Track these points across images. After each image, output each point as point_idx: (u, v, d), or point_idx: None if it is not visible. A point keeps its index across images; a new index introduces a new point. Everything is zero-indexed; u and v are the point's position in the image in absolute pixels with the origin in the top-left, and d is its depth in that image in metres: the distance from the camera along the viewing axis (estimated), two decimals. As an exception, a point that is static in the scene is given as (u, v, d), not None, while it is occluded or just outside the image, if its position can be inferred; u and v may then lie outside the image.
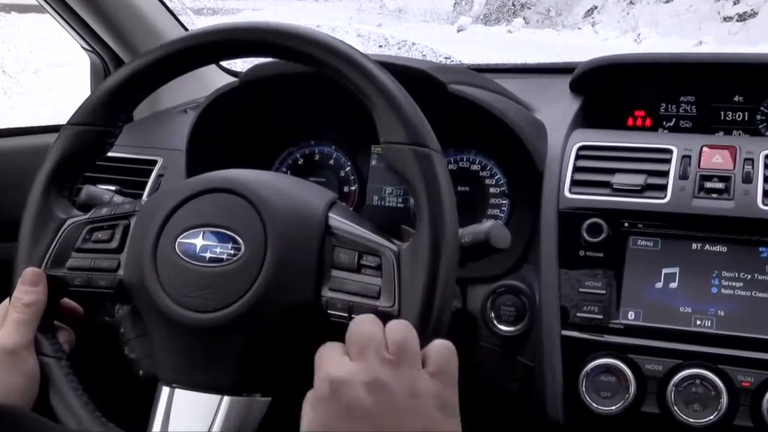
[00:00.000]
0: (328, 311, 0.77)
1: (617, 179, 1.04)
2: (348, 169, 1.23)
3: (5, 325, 0.80)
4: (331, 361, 0.66)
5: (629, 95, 1.26)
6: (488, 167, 1.16)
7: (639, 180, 1.03)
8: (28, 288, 0.82)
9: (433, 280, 0.74)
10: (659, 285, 0.99)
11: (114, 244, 0.84)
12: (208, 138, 1.19)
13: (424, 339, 0.70)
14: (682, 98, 1.24)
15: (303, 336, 0.79)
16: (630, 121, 1.26)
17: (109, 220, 0.86)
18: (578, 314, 1.00)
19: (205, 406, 0.78)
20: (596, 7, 5.00)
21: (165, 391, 0.79)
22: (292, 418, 0.81)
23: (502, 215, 1.15)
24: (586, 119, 1.19)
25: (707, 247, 0.99)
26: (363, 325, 0.68)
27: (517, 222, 1.12)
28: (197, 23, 1.65)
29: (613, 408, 0.96)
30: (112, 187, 1.17)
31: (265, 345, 0.78)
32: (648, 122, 1.25)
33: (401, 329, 0.67)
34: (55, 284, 0.83)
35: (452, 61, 1.85)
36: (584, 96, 1.23)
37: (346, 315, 0.76)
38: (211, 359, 0.78)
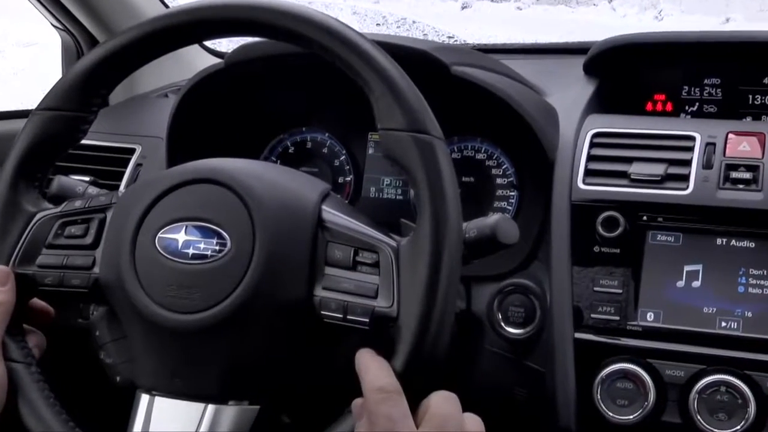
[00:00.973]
0: (322, 312, 0.77)
1: (635, 169, 1.04)
2: (343, 158, 1.24)
3: None
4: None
5: (649, 78, 1.26)
6: (495, 156, 1.17)
7: (659, 169, 1.03)
8: (-5, 288, 0.82)
9: (434, 278, 0.74)
10: (681, 284, 0.99)
11: (88, 240, 0.84)
12: (191, 124, 1.19)
13: (425, 346, 0.71)
14: (706, 81, 1.24)
15: (294, 338, 0.79)
16: (649, 106, 1.26)
17: (83, 214, 0.86)
18: (593, 315, 1.01)
19: (188, 415, 0.78)
20: (614, -18, 5.00)
21: (144, 398, 0.79)
22: (282, 427, 0.81)
23: (509, 208, 1.15)
24: (601, 104, 1.19)
25: (733, 242, 0.99)
26: (445, 404, 0.71)
27: (526, 215, 1.12)
28: (178, 0, 1.65)
29: (631, 417, 0.97)
30: (86, 178, 1.18)
31: (253, 348, 0.78)
32: (669, 107, 1.25)
33: (477, 423, 0.72)
34: (24, 283, 0.83)
35: (456, 40, 1.85)
36: (599, 78, 1.23)
37: (341, 316, 0.76)
38: (194, 364, 0.78)
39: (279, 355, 0.79)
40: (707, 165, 1.02)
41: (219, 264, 0.77)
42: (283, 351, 0.79)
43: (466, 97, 1.08)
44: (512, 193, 1.15)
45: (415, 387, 0.72)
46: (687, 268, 0.99)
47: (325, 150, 1.24)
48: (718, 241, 0.99)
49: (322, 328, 0.78)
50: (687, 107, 1.25)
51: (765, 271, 0.97)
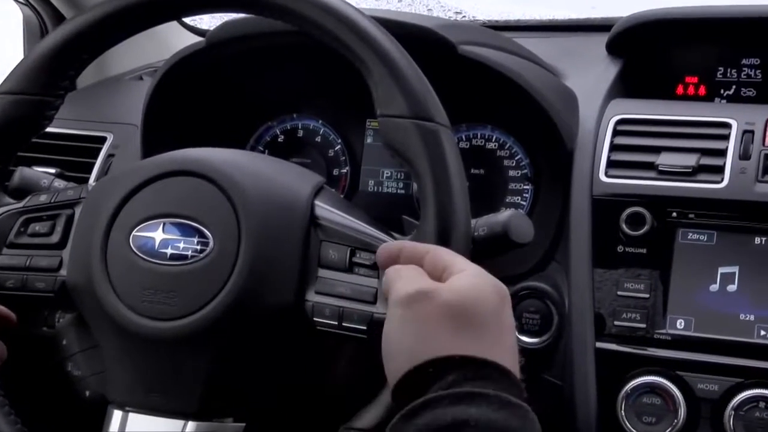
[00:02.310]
0: (315, 318, 0.77)
1: (663, 159, 1.04)
2: (338, 147, 1.24)
3: None
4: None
5: (679, 58, 1.26)
6: (507, 145, 1.17)
7: (690, 160, 1.03)
8: (-50, 291, 0.82)
9: (440, 281, 0.74)
10: (714, 287, 0.99)
11: (55, 239, 0.85)
12: (169, 110, 1.19)
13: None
14: (744, 61, 1.24)
15: (284, 348, 0.80)
16: (680, 89, 1.26)
17: (48, 210, 0.86)
18: (616, 323, 1.01)
19: (166, 434, 0.78)
20: (641, -50, 4.99)
21: (117, 415, 0.80)
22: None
23: (523, 203, 1.15)
24: (626, 87, 1.20)
25: (773, 241, 0.99)
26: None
27: (542, 211, 1.12)
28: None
29: (659, 436, 0.97)
30: (52, 170, 1.18)
31: (238, 360, 0.78)
32: (702, 90, 1.25)
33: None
34: (-17, 287, 0.84)
35: (464, 17, 1.85)
36: (624, 59, 1.23)
37: (336, 323, 0.77)
38: (173, 377, 0.78)
39: (267, 366, 0.80)
40: (744, 155, 1.03)
41: (200, 265, 0.78)
42: (271, 362, 0.80)
43: (476, 79, 1.08)
44: (526, 187, 1.15)
45: None
46: (721, 270, 0.99)
47: (318, 139, 1.25)
48: (757, 240, 0.99)
49: (315, 337, 0.78)
50: (722, 91, 1.25)
51: (809, 274, 0.97)
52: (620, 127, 1.09)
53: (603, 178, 1.05)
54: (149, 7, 0.85)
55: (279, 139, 1.26)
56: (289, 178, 0.84)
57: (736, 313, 0.98)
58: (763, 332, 0.97)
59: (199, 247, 0.78)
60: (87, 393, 0.86)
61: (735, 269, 0.99)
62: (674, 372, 0.98)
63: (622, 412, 0.98)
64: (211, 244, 0.78)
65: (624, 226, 1.02)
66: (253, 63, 1.20)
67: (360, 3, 0.93)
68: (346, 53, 0.80)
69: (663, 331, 1.00)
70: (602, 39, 1.25)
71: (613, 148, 1.07)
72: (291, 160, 1.21)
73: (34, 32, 1.51)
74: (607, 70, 1.21)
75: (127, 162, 1.22)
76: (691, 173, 1.02)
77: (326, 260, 0.79)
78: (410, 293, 0.66)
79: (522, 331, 1.06)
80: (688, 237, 1.01)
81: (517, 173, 1.16)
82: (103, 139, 1.27)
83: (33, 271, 0.84)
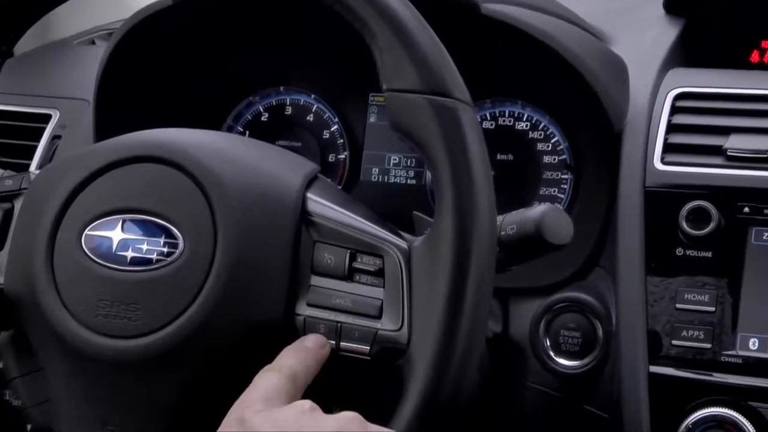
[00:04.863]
0: (307, 336, 0.79)
1: (733, 143, 1.04)
2: (335, 128, 1.24)
3: None
4: None
5: (754, 18, 1.26)
6: (541, 126, 1.17)
7: (766, 143, 1.03)
8: None
9: (458, 291, 0.75)
10: (795, 299, 1.00)
11: (-12, 239, 0.86)
12: (128, 82, 1.19)
13: (444, 385, 0.72)
14: (834, 22, 1.25)
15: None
16: (754, 56, 1.26)
17: (-20, 204, 0.87)
18: (674, 342, 1.01)
19: (125, 476, 0.79)
20: None
21: (66, 453, 0.81)
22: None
23: (561, 196, 1.16)
24: (687, 54, 1.20)
25: None
26: None
27: (583, 206, 1.12)
28: None
29: (726, 480, 0.98)
30: (-15, 156, 1.19)
31: (212, 386, 0.79)
32: (781, 58, 1.26)
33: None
34: None
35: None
36: (686, 19, 1.23)
37: (333, 342, 0.77)
38: (134, 406, 0.79)
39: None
40: (834, 138, 1.03)
41: (168, 272, 0.78)
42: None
43: (503, 45, 1.09)
44: (565, 176, 1.16)
45: None
46: (805, 278, 1.00)
47: (310, 117, 1.25)
48: None
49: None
50: (806, 59, 1.26)
51: None
52: (680, 103, 1.09)
53: (658, 165, 1.05)
54: None
55: (262, 118, 1.27)
56: (275, 165, 0.84)
57: (822, 332, 0.99)
58: None
59: (165, 250, 0.79)
60: (29, 427, 0.86)
61: (822, 277, 1.00)
62: (745, 402, 0.98)
63: (682, 451, 0.99)
64: (181, 245, 0.79)
65: (684, 225, 1.02)
66: (231, 24, 1.20)
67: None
68: (345, 13, 0.80)
69: (732, 352, 1.00)
70: (658, -5, 1.26)
71: (671, 128, 1.07)
72: (277, 143, 1.22)
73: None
74: (665, 33, 1.21)
75: (76, 145, 1.22)
76: (767, 160, 1.03)
77: (321, 266, 0.79)
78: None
79: (559, 353, 1.06)
80: (763, 238, 1.01)
81: (554, 159, 1.17)
82: (46, 117, 1.28)
83: None
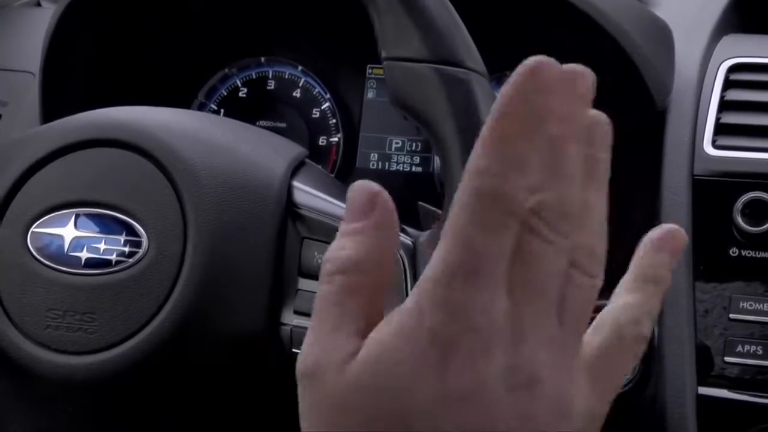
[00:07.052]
0: (294, 350, 0.79)
1: (798, 123, 1.05)
2: (326, 106, 1.25)
3: None
4: None
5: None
6: (571, 102, 1.18)
7: (837, 125, 1.04)
8: None
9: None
10: None
11: None
12: (81, 51, 1.20)
13: None
14: None
15: (249, 391, 0.81)
16: (823, 22, 1.27)
17: None
18: (728, 359, 1.02)
19: None
20: None
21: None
22: None
23: (594, 186, 1.16)
24: (743, 18, 1.20)
25: None
26: None
27: (620, 197, 1.13)
28: None
29: None
30: None
31: (181, 408, 0.80)
32: None
33: None
34: None
35: None
36: (741, -23, 1.24)
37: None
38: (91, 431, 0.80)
39: (223, 415, 0.81)
40: None
41: (130, 275, 0.79)
42: (230, 409, 0.81)
43: (523, 7, 1.09)
44: (598, 162, 1.16)
45: None
46: None
47: (296, 93, 1.25)
48: None
49: (293, 375, 0.79)
50: None
51: None
52: (735, 76, 1.09)
53: (709, 149, 1.06)
54: None
55: (240, 94, 1.27)
56: (255, 149, 0.85)
57: None
58: None
59: (127, 249, 0.80)
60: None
61: None
62: (813, 430, 1.00)
63: (737, 487, 1.00)
64: (145, 244, 0.80)
65: (739, 220, 1.02)
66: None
67: None
68: None
69: (796, 370, 1.01)
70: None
71: (725, 106, 1.08)
72: (258, 123, 1.22)
73: None
74: (717, -6, 1.22)
75: (20, 127, 1.22)
76: (839, 144, 1.03)
77: (309, 266, 0.80)
78: (304, 368, 0.57)
79: (591, 371, 1.06)
80: (833, 235, 1.02)
81: (584, 142, 1.17)
82: (-18, 94, 1.29)
83: None
